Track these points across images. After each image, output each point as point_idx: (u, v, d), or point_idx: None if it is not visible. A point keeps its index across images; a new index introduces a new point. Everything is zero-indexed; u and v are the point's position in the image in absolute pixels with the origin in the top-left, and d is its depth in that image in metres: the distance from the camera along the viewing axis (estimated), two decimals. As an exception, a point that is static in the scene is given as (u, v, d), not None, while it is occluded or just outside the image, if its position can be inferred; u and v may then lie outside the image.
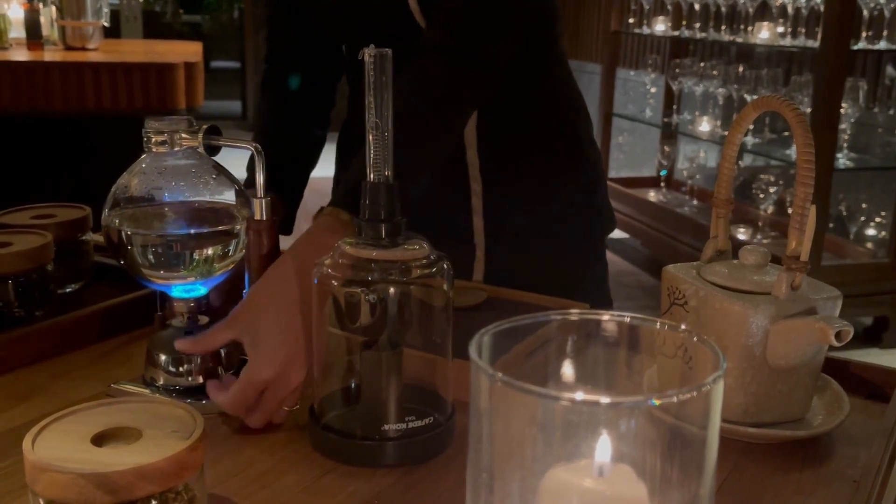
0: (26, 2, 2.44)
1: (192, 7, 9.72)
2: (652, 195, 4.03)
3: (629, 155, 4.94)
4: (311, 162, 1.15)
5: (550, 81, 1.09)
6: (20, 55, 2.26)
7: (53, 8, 2.51)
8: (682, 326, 0.42)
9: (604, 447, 0.36)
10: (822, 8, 2.83)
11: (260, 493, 0.61)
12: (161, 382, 0.74)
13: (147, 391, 0.73)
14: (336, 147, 1.17)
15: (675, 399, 0.35)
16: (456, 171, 1.04)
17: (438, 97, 0.87)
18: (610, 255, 4.35)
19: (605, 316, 0.43)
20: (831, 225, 3.13)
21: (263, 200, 0.70)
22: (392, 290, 0.63)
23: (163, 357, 0.74)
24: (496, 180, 1.05)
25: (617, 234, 4.23)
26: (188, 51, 2.53)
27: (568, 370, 0.44)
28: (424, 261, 0.65)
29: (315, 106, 1.16)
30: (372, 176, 0.64)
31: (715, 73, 3.53)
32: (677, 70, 3.74)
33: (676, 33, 3.81)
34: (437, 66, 0.87)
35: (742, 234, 3.34)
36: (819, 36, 2.80)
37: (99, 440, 0.52)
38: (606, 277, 1.17)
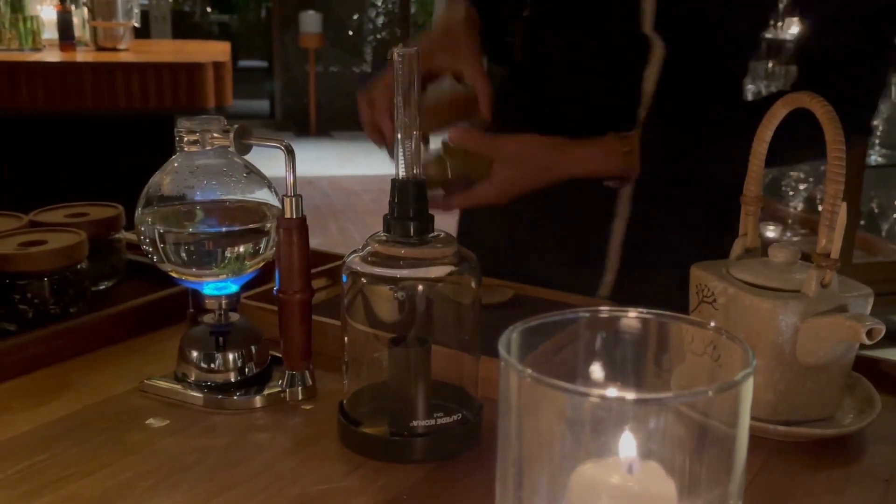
0: (59, 3, 2.48)
1: (220, 7, 9.79)
2: (680, 192, 3.99)
3: (657, 152, 4.90)
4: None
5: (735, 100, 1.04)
6: (53, 56, 2.30)
7: (85, 9, 2.54)
8: (712, 324, 0.42)
9: (633, 444, 0.36)
10: (853, 2, 2.79)
11: (290, 487, 0.61)
12: (193, 378, 0.75)
13: (179, 387, 0.75)
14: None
15: (704, 396, 0.35)
16: (606, 191, 1.01)
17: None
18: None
19: (634, 313, 0.43)
20: (862, 222, 3.09)
21: (294, 198, 0.71)
22: (420, 287, 0.64)
23: (195, 353, 0.75)
24: (645, 211, 1.01)
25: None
26: (217, 50, 2.56)
27: (596, 367, 0.44)
28: (452, 258, 0.65)
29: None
30: (401, 173, 0.65)
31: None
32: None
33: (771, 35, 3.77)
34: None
35: (771, 231, 3.31)
36: (850, 31, 2.76)
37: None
38: None
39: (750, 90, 3.46)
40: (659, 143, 0.95)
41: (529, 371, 0.36)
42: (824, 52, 0.97)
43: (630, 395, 0.35)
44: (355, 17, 7.37)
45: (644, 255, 1.03)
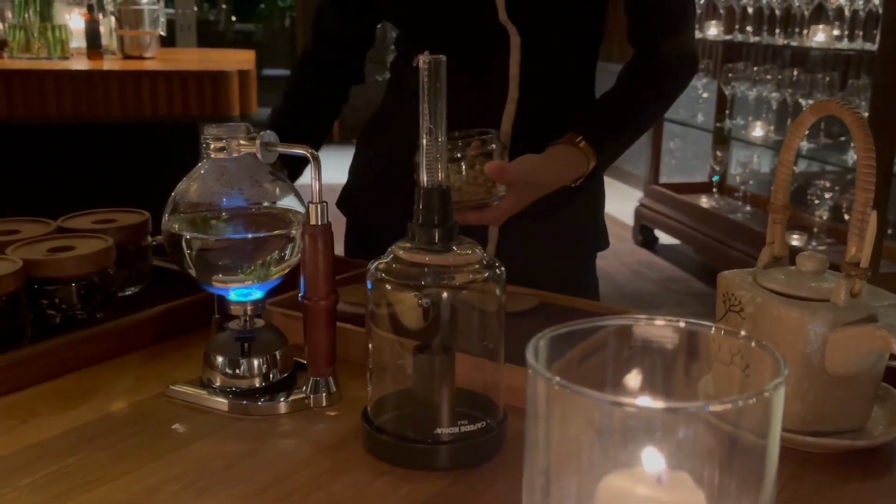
0: (87, 13, 2.51)
1: (244, 16, 9.87)
2: (704, 201, 3.98)
3: (680, 160, 4.89)
4: (326, 123, 1.29)
5: (591, 84, 1.20)
6: (81, 64, 2.32)
7: (112, 18, 2.57)
8: (742, 332, 0.42)
9: (662, 454, 0.36)
10: (880, 10, 2.77)
11: (315, 493, 0.61)
12: (218, 384, 0.75)
13: (204, 393, 0.75)
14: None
15: (735, 406, 0.35)
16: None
17: (669, 92, 1.15)
18: (661, 262, 4.31)
19: (661, 322, 0.42)
20: (889, 231, 3.06)
21: (319, 205, 0.71)
22: (444, 294, 0.64)
23: (220, 359, 0.75)
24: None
25: (668, 240, 4.19)
26: (241, 59, 2.57)
27: (623, 375, 0.43)
28: (477, 265, 0.65)
29: (344, 75, 1.29)
30: (426, 181, 0.65)
31: (769, 77, 3.48)
32: (730, 74, 3.68)
33: (729, 37, 3.76)
34: (665, 66, 1.14)
35: (796, 240, 3.28)
36: (877, 39, 2.74)
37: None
38: (598, 291, 1.30)
39: (775, 98, 3.43)
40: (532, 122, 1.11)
41: (558, 379, 0.36)
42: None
43: (660, 405, 0.35)
44: (378, 26, 7.39)
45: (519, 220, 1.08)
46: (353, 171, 1.30)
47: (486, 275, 0.65)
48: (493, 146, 0.99)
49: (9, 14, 2.55)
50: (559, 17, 1.11)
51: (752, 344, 0.40)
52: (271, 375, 0.76)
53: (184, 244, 0.73)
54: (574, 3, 1.11)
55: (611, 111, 1.13)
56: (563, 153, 1.06)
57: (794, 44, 3.28)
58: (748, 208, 3.82)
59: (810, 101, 3.16)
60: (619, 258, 4.03)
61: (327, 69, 1.27)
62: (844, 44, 3.05)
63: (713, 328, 0.42)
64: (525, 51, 1.09)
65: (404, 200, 1.09)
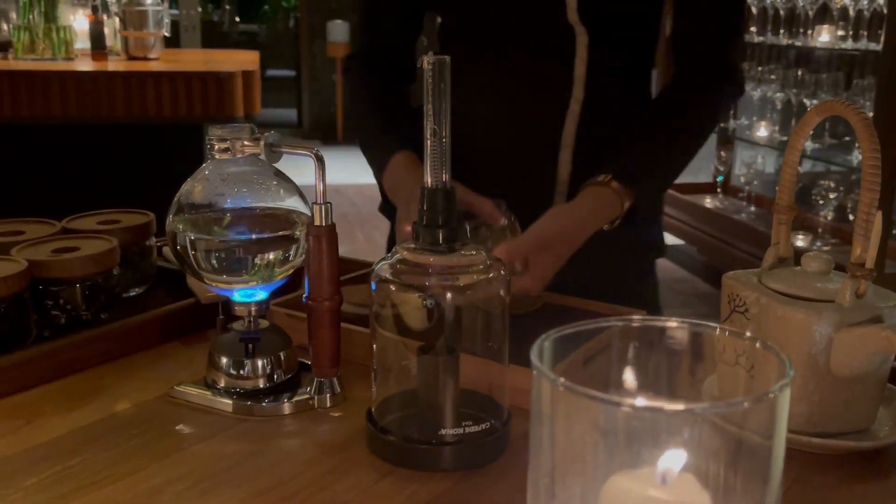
0: (91, 14, 2.51)
1: (248, 17, 9.88)
2: (708, 201, 3.97)
3: (684, 161, 4.86)
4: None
5: (649, 86, 1.17)
6: (85, 65, 2.33)
7: (117, 19, 2.58)
8: (747, 333, 0.42)
9: (667, 455, 0.36)
10: (885, 10, 2.76)
11: (319, 494, 0.61)
12: (222, 385, 0.75)
13: (208, 393, 0.75)
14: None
15: (740, 407, 0.35)
16: (545, 171, 1.10)
17: (713, 113, 1.11)
18: (665, 262, 4.29)
19: (666, 322, 0.42)
20: (894, 231, 3.05)
21: (323, 206, 0.71)
22: (449, 295, 0.64)
23: (224, 360, 0.75)
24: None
25: (672, 240, 4.18)
26: (245, 59, 2.58)
27: (628, 376, 0.43)
28: (481, 266, 0.65)
29: (402, 72, 1.21)
30: (430, 181, 0.65)
31: (773, 77, 3.47)
32: (734, 74, 3.67)
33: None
34: (709, 83, 1.10)
35: (801, 240, 3.27)
36: (882, 38, 2.73)
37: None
38: (658, 296, 1.24)
39: (779, 98, 3.43)
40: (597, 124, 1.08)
41: (562, 380, 0.36)
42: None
43: (666, 406, 0.34)
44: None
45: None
46: None
47: (491, 275, 0.65)
48: (503, 222, 0.95)
49: (13, 15, 2.55)
50: (627, 17, 1.09)
51: (758, 345, 0.40)
52: (275, 376, 0.76)
53: (188, 245, 0.73)
54: (640, 4, 1.10)
55: (645, 143, 1.06)
56: (593, 196, 0.99)
57: (798, 44, 3.27)
58: (753, 209, 3.81)
59: (815, 102, 3.16)
60: (623, 259, 4.01)
61: (388, 67, 1.19)
62: (849, 44, 3.04)
63: (718, 329, 0.42)
64: (592, 51, 1.07)
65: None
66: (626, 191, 0.99)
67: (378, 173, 1.09)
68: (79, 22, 2.60)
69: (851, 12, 3.03)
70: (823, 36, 3.13)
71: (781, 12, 3.38)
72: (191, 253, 0.73)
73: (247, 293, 0.75)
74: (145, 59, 2.49)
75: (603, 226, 0.99)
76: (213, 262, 0.73)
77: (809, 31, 3.21)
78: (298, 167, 0.72)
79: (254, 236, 0.74)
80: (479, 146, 1.09)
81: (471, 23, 1.12)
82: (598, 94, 1.08)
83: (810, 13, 3.20)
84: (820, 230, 3.31)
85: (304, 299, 0.73)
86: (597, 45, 1.06)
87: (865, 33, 3.00)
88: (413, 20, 1.19)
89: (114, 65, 2.36)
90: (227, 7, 9.51)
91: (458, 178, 1.04)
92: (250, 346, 0.75)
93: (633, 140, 1.06)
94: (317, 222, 0.71)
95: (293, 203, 0.76)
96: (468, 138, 1.09)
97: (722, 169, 4.07)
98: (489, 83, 1.11)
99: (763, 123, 3.57)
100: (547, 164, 1.10)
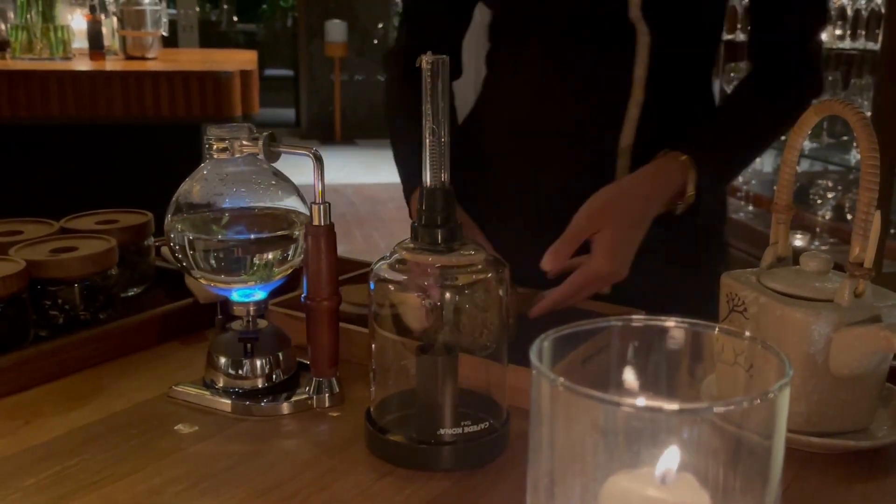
0: (89, 13, 2.51)
1: (246, 16, 9.88)
2: (706, 201, 3.96)
3: (682, 160, 4.86)
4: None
5: (711, 90, 1.11)
6: (83, 65, 2.33)
7: (115, 19, 2.58)
8: (746, 333, 0.42)
9: (667, 455, 0.36)
10: (883, 9, 2.77)
11: (318, 494, 0.61)
12: (221, 385, 0.75)
13: (207, 393, 0.75)
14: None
15: (740, 407, 0.35)
16: (602, 180, 0.99)
17: (794, 107, 0.97)
18: (663, 262, 4.26)
19: (665, 322, 0.42)
20: (893, 231, 3.05)
21: (322, 206, 0.71)
22: (448, 294, 0.64)
23: (223, 360, 0.75)
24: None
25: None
26: (243, 59, 2.58)
27: (627, 376, 0.43)
28: (480, 266, 0.65)
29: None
30: (429, 181, 0.65)
31: (771, 76, 3.46)
32: (732, 74, 3.67)
33: (731, 37, 3.75)
34: (793, 78, 1.05)
35: (799, 240, 3.27)
36: (880, 38, 2.73)
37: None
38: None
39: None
40: (657, 126, 1.02)
41: (562, 380, 0.36)
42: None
43: (666, 406, 0.34)
44: (380, 25, 7.40)
45: None
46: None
47: (490, 275, 0.65)
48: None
49: (11, 15, 2.55)
50: (692, 16, 1.03)
51: (757, 344, 0.40)
52: (274, 376, 0.76)
53: (186, 245, 0.73)
54: (704, 4, 1.04)
55: (719, 127, 1.03)
56: (652, 164, 0.95)
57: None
58: (751, 208, 3.81)
59: (813, 101, 3.15)
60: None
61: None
62: (847, 43, 3.04)
63: (717, 329, 0.42)
64: (654, 51, 1.00)
65: (518, 211, 1.04)
66: (690, 162, 0.94)
67: (407, 187, 1.02)
68: (76, 21, 2.60)
69: (849, 12, 3.03)
70: (821, 35, 3.12)
71: (779, 12, 3.38)
72: (189, 253, 0.73)
73: (245, 293, 0.75)
74: (143, 58, 2.49)
75: (665, 197, 0.93)
76: (212, 261, 0.73)
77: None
78: (297, 167, 0.72)
79: (252, 236, 0.74)
80: (531, 153, 1.05)
81: (522, 18, 1.05)
82: (660, 97, 1.02)
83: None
84: (818, 230, 3.31)
85: (302, 299, 0.73)
86: (660, 44, 1.00)
87: (863, 33, 3.01)
88: (461, 13, 1.11)
89: (112, 64, 2.36)
90: (225, 6, 9.50)
91: (509, 188, 1.03)
92: (249, 345, 0.75)
93: (707, 122, 1.03)
94: (315, 222, 0.71)
95: (292, 203, 0.76)
96: (519, 144, 1.06)
97: (720, 168, 4.06)
98: (541, 84, 1.05)
99: (761, 123, 3.56)
100: (605, 173, 1.03)
